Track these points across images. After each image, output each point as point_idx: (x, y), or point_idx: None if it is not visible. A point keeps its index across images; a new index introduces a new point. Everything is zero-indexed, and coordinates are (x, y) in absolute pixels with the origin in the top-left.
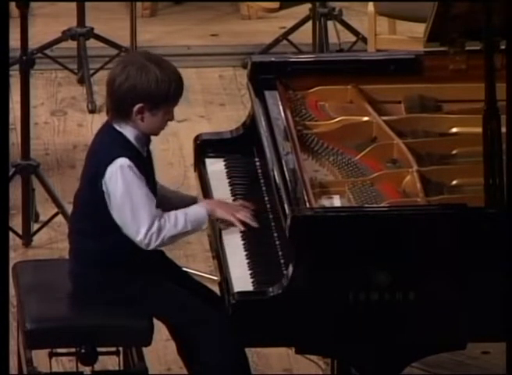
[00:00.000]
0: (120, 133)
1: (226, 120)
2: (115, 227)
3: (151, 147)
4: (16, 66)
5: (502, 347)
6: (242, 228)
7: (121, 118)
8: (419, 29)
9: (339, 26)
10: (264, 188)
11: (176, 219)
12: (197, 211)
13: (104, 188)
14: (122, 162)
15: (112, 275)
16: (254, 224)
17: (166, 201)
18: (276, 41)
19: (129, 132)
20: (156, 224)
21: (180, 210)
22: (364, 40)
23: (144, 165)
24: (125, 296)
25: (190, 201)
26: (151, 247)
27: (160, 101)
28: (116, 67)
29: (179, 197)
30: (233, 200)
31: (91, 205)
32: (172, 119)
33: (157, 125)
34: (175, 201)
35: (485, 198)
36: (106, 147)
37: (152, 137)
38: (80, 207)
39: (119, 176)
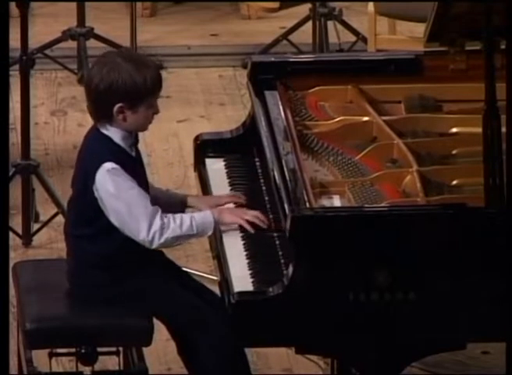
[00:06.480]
0: (107, 137)
1: (226, 120)
2: (112, 229)
3: (152, 147)
4: (16, 66)
5: (502, 347)
6: (252, 230)
7: (104, 119)
8: (419, 29)
9: (339, 26)
10: (264, 188)
11: (182, 220)
12: (204, 215)
13: (96, 195)
14: (109, 166)
15: (111, 276)
16: (263, 224)
17: (156, 202)
18: (276, 41)
19: (115, 133)
20: (158, 222)
21: (187, 213)
22: (364, 40)
23: (134, 165)
24: (125, 294)
25: (179, 200)
26: (155, 245)
27: (138, 98)
28: (93, 68)
29: (168, 195)
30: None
31: (86, 211)
32: (157, 112)
33: (141, 121)
34: (164, 200)
35: (485, 198)
36: (93, 153)
37: (152, 137)
38: (75, 213)
39: (108, 180)
